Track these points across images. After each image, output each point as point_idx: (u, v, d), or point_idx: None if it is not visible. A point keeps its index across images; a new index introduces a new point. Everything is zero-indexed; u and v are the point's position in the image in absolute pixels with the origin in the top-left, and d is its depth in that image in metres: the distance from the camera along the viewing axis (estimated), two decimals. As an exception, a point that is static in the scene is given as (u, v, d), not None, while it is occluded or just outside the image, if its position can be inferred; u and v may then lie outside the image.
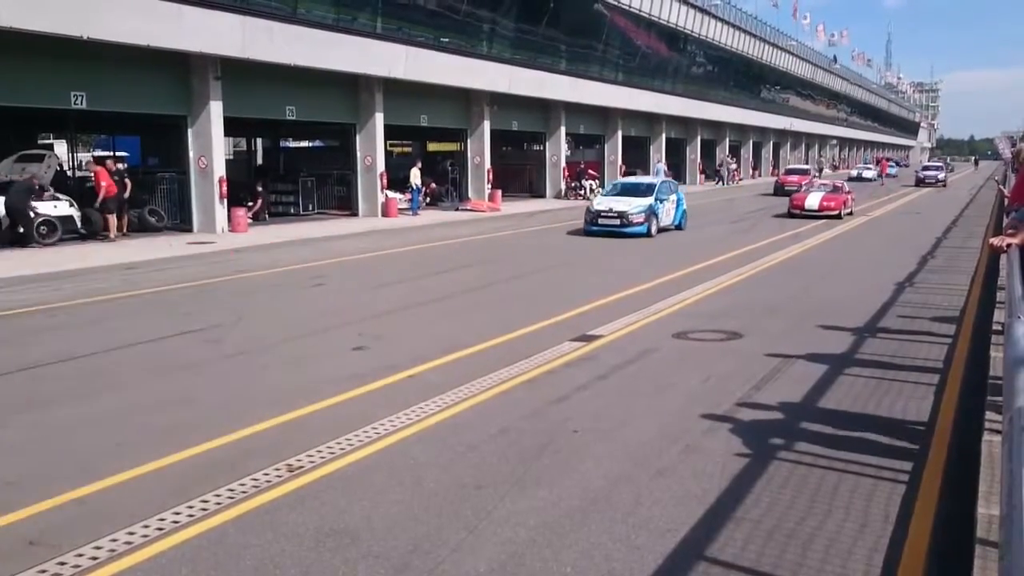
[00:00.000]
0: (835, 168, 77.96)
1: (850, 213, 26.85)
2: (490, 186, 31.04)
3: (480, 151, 31.00)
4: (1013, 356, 3.84)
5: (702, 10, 45.42)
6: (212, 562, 4.09)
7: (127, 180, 19.45)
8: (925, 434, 5.92)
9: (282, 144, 39.88)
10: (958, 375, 7.46)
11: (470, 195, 30.91)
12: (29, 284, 13.01)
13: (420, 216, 26.28)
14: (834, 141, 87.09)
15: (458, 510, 4.67)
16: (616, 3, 36.23)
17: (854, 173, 59.19)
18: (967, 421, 5.91)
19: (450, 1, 26.67)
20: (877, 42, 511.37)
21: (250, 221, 21.59)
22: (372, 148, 25.39)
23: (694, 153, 51.16)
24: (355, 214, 25.87)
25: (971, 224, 24.02)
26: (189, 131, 20.11)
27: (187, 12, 17.84)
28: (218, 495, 4.84)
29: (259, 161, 37.87)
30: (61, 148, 33.83)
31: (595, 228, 20.61)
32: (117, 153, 34.18)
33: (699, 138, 51.16)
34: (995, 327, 7.66)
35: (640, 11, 38.58)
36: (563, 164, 36.75)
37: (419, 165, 28.16)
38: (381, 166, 25.90)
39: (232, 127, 26.12)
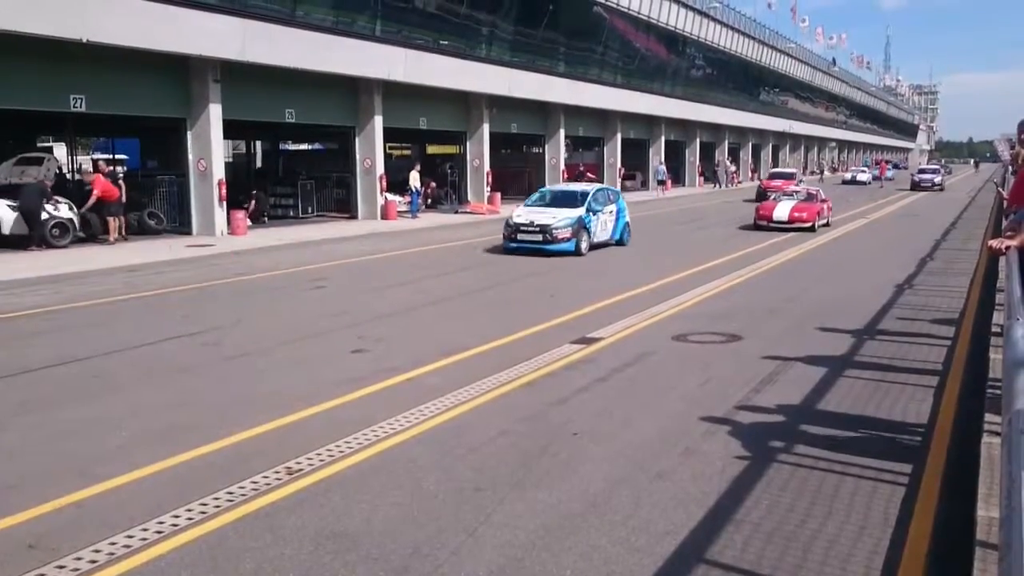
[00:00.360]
0: (834, 170, 77.94)
1: (826, 224, 23.35)
2: (489, 189, 31.07)
3: (479, 154, 31.02)
4: (1012, 358, 3.85)
5: (701, 12, 45.48)
6: (211, 565, 4.08)
7: (121, 183, 19.42)
8: (924, 436, 5.92)
9: (281, 147, 39.94)
10: (957, 377, 7.47)
11: (469, 198, 30.93)
12: (29, 287, 13.00)
13: (419, 219, 26.29)
14: (833, 143, 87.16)
15: (458, 513, 4.66)
16: (615, 6, 36.25)
17: (848, 176, 58.32)
18: (966, 423, 5.91)
19: (449, 4, 26.70)
20: (876, 45, 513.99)
21: (249, 224, 21.59)
22: (371, 151, 25.40)
23: (693, 155, 51.26)
24: (354, 217, 25.87)
25: (970, 226, 24.03)
26: (188, 134, 20.11)
27: (187, 15, 17.87)
28: (217, 498, 4.83)
29: (258, 164, 37.92)
30: (60, 151, 33.79)
31: (513, 245, 17.13)
32: (116, 156, 34.22)
33: (698, 140, 51.25)
34: (994, 329, 7.66)
35: (639, 14, 38.63)
36: (562, 167, 36.76)
37: (418, 168, 28.20)
38: (380, 169, 25.92)
39: (231, 130, 26.18)
